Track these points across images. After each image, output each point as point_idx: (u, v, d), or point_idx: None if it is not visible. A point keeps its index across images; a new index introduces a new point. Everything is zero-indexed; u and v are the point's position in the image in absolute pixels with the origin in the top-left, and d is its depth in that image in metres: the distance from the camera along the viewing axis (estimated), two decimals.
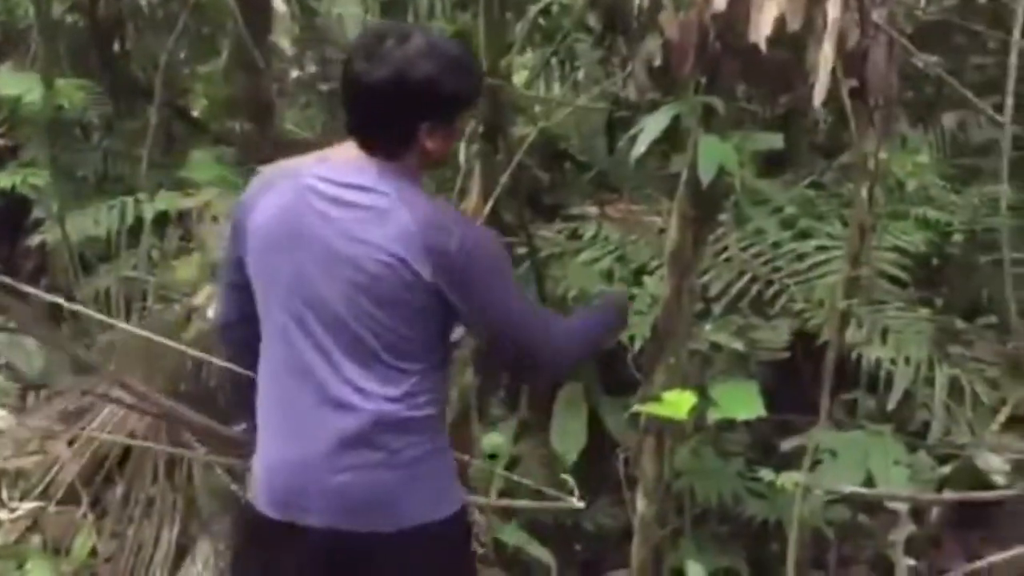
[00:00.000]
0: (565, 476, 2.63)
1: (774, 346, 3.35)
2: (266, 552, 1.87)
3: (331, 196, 1.79)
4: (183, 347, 2.95)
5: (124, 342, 3.59)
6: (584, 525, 3.35)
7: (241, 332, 1.96)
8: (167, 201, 4.05)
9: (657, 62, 2.80)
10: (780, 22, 1.68)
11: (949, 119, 4.39)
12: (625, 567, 3.06)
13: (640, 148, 1.84)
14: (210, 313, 3.45)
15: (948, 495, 1.78)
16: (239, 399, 2.07)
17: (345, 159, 1.83)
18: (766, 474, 3.25)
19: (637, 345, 3.31)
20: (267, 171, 1.94)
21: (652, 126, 1.84)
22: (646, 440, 2.01)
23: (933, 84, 4.51)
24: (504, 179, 2.74)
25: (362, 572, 1.82)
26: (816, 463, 2.27)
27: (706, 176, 1.77)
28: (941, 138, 4.48)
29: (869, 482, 1.98)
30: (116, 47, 5.09)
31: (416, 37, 1.82)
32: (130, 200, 4.13)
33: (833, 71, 2.03)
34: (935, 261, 3.73)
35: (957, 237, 3.61)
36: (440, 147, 1.86)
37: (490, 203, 2.75)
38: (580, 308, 2.05)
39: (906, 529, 1.95)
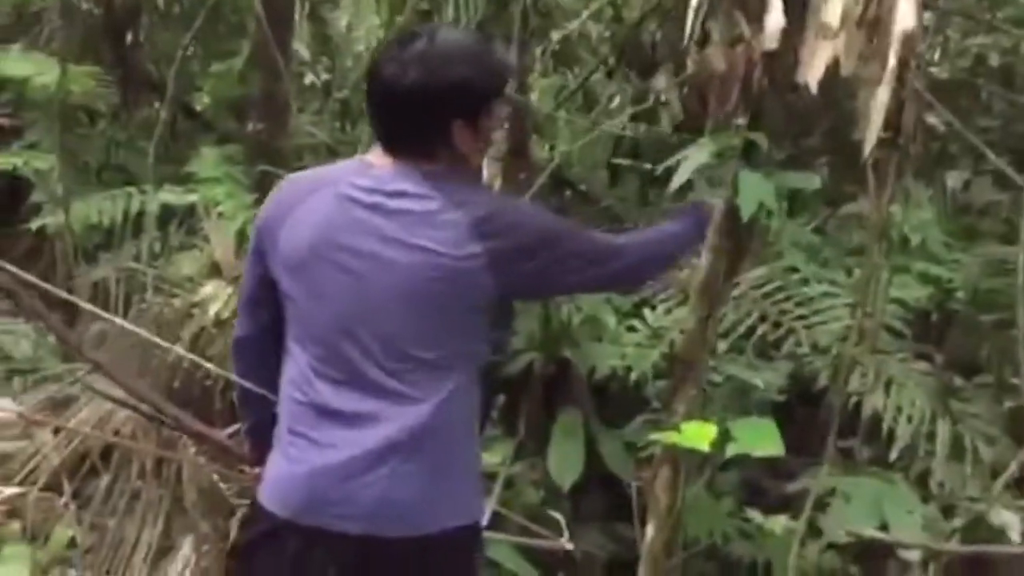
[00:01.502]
0: (555, 514, 2.65)
1: (772, 387, 3.37)
2: (289, 559, 1.83)
3: (374, 204, 1.77)
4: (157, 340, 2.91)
5: (118, 333, 3.55)
6: (572, 553, 3.33)
7: (260, 346, 1.93)
8: (173, 195, 4.02)
9: (663, 97, 2.82)
10: (833, 65, 1.69)
11: (953, 178, 4.45)
12: None
13: (681, 178, 1.85)
14: (212, 310, 3.43)
15: (969, 547, 1.79)
16: (249, 403, 2.05)
17: (383, 166, 1.81)
18: (756, 516, 3.28)
19: (633, 377, 3.33)
20: (292, 183, 1.90)
21: (693, 158, 1.85)
22: (661, 470, 2.01)
23: (938, 141, 4.58)
24: (528, 199, 2.73)
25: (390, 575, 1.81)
26: (823, 506, 2.27)
27: (746, 211, 1.78)
28: (943, 196, 4.53)
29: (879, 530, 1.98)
30: (129, 38, 5.07)
31: (441, 36, 1.81)
32: (135, 191, 4.10)
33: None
34: (934, 317, 3.77)
35: (960, 295, 3.64)
36: (471, 146, 1.84)
37: None
38: (666, 221, 2.10)
39: None
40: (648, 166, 3.78)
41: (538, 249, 1.80)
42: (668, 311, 3.43)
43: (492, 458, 3.19)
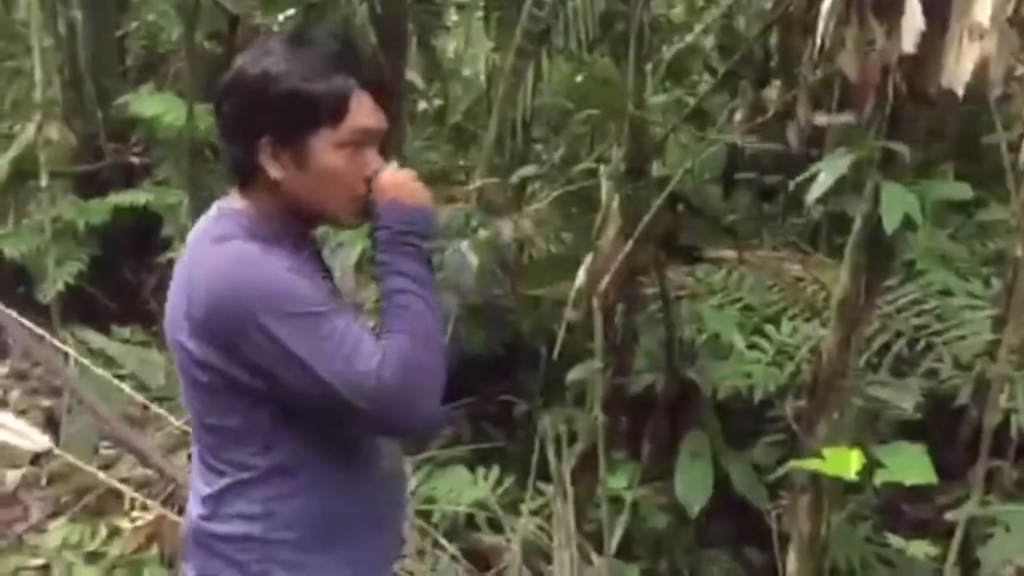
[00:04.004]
0: None
1: (904, 406, 3.22)
2: None
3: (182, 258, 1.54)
4: None
5: None
6: None
7: None
8: None
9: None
10: (981, 68, 1.60)
11: None
12: None
13: (817, 192, 1.77)
14: None
15: None
16: None
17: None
18: (896, 541, 3.12)
19: (757, 396, 3.22)
20: None
21: (830, 170, 1.78)
22: (802, 497, 1.92)
23: None
24: (647, 219, 2.69)
25: None
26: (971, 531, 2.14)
27: (891, 225, 1.69)
28: None
29: None
30: None
31: (292, 33, 1.52)
32: None
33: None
34: None
35: None
36: (297, 179, 1.43)
37: (631, 241, 2.70)
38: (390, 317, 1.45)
39: None
40: (773, 179, 3.68)
41: (259, 327, 1.37)
42: (794, 329, 3.33)
43: (617, 482, 3.14)
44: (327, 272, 1.60)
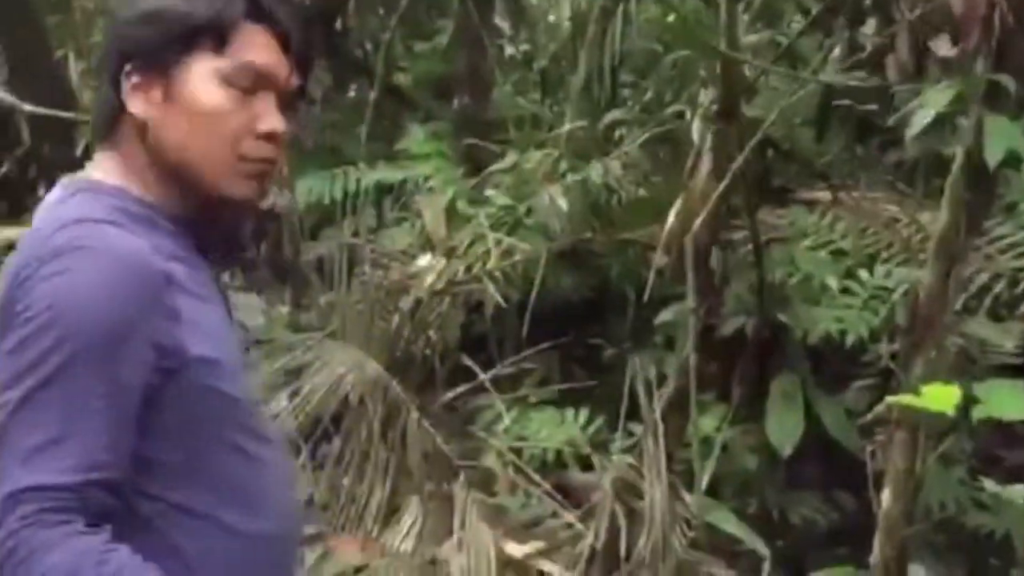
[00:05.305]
0: None
1: (1003, 350, 3.17)
2: None
3: None
4: None
5: (343, 305, 3.77)
6: (790, 519, 3.27)
7: None
8: (385, 172, 4.20)
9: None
10: None
11: None
12: (827, 566, 2.98)
13: (916, 128, 1.75)
14: (427, 281, 3.58)
15: None
16: None
17: None
18: (991, 485, 3.09)
19: (849, 340, 3.20)
20: None
21: (931, 104, 1.75)
22: (897, 434, 1.92)
23: None
24: (740, 160, 2.68)
25: None
26: None
27: (993, 159, 1.67)
28: None
29: None
30: (339, 24, 5.32)
31: None
32: (351, 170, 4.31)
33: None
34: None
35: None
36: (166, 119, 1.13)
37: (724, 183, 2.70)
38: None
39: None
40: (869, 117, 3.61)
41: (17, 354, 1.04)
42: (889, 272, 3.28)
43: (707, 423, 3.17)
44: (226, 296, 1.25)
